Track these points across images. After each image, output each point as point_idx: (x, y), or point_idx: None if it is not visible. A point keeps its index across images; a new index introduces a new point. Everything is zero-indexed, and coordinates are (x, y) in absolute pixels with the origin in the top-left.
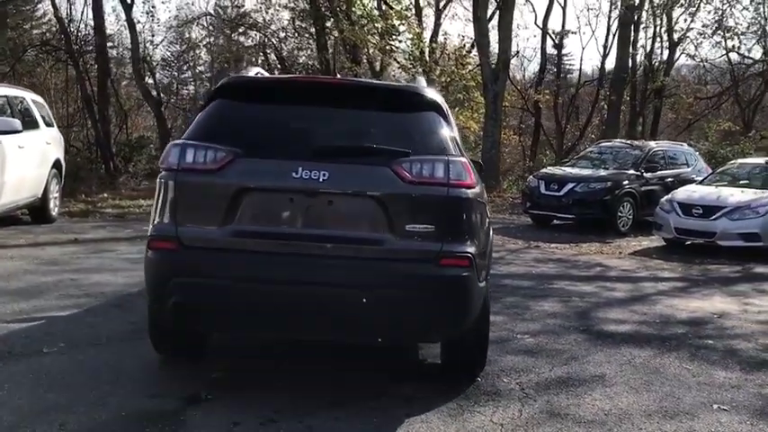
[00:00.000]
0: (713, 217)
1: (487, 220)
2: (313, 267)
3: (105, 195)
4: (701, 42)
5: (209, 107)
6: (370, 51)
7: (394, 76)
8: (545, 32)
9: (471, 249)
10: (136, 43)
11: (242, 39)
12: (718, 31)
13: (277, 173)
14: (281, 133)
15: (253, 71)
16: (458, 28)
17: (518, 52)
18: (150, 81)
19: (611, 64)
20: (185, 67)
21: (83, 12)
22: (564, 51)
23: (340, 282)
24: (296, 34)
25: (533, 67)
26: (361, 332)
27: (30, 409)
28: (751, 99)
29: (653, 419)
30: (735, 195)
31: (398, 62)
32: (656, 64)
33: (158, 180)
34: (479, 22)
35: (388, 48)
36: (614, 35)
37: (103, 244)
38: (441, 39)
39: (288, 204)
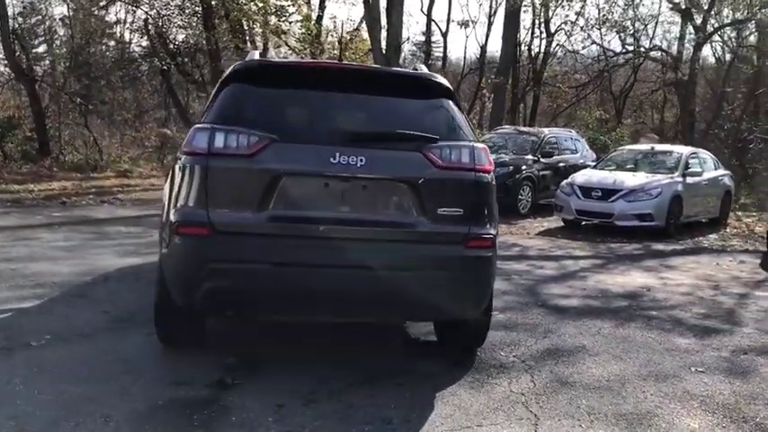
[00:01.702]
0: (611, 199)
1: None
2: (349, 251)
3: None
4: (572, 34)
5: (226, 91)
6: (259, 31)
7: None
8: (429, 19)
9: (492, 231)
10: (5, 16)
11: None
12: (583, 24)
13: (315, 158)
14: (312, 118)
15: (256, 55)
16: (346, 12)
17: (408, 38)
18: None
19: (492, 52)
20: (37, 42)
21: None
22: (449, 39)
23: (376, 264)
24: (181, 12)
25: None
26: (395, 312)
27: (61, 404)
28: (621, 89)
29: (649, 382)
30: (629, 179)
31: (289, 45)
32: (535, 54)
33: (180, 164)
34: (369, 5)
35: (279, 29)
36: (503, 23)
37: (21, 231)
38: (328, 22)
39: (323, 189)
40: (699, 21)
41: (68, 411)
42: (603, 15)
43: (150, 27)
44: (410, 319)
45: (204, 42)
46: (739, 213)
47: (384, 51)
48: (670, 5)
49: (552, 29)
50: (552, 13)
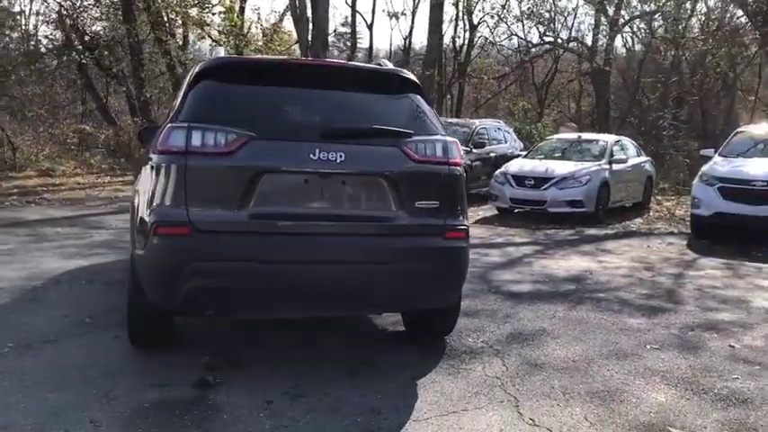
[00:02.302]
0: (543, 187)
1: None
2: (331, 246)
3: None
4: (496, 26)
5: (197, 89)
6: (181, 22)
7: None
8: (354, 11)
9: (466, 222)
10: None
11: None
12: (504, 15)
13: (295, 155)
14: (288, 115)
15: (221, 52)
16: (269, 4)
17: (335, 30)
18: None
19: (416, 44)
20: None
21: None
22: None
23: (357, 259)
24: (98, 3)
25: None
26: (377, 305)
27: (46, 411)
28: (543, 81)
29: (612, 361)
30: (559, 167)
31: (212, 37)
32: (460, 46)
33: (154, 164)
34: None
35: (202, 21)
36: (428, 15)
37: None
38: (252, 14)
39: (303, 186)
40: (612, 12)
41: (55, 418)
42: (529, 9)
43: (65, 19)
44: (390, 310)
45: (124, 35)
46: (659, 198)
47: (311, 44)
48: None
49: (475, 21)
50: (474, 6)
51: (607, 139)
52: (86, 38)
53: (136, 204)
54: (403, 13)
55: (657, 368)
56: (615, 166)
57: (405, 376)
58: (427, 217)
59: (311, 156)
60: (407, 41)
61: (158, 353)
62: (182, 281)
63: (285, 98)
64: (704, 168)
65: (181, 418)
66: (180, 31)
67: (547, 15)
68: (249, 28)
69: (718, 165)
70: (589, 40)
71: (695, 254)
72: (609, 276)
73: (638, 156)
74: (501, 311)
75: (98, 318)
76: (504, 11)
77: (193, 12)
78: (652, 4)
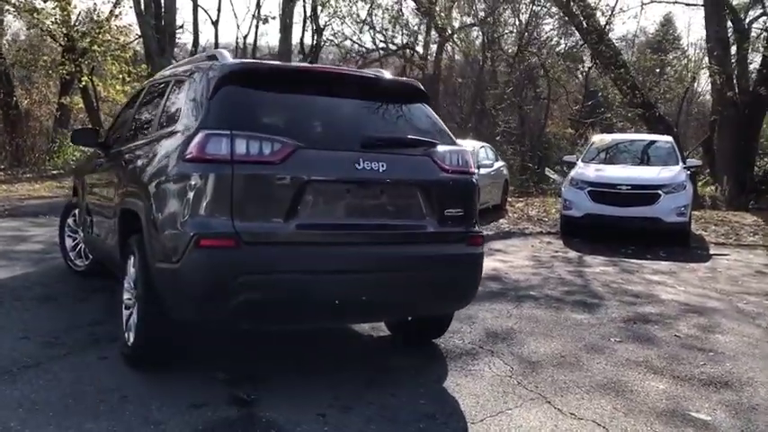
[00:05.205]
0: None
1: None
2: (373, 255)
3: None
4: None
5: (223, 94)
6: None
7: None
8: (196, 6)
9: (480, 229)
10: None
11: None
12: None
13: (341, 165)
14: (326, 124)
15: (227, 55)
16: None
17: (182, 26)
18: None
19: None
20: None
21: None
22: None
23: (398, 266)
24: None
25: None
26: (410, 311)
27: None
28: None
29: (594, 355)
30: None
31: (43, 29)
32: (308, 48)
33: (191, 172)
34: None
35: (32, 8)
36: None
37: None
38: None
39: (345, 195)
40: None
41: None
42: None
43: None
44: (418, 315)
45: None
46: (510, 199)
47: (159, 38)
48: (415, 7)
49: (322, 24)
50: (320, 9)
51: (474, 144)
52: None
53: (153, 215)
54: (272, 17)
55: (635, 359)
56: (482, 170)
57: (427, 380)
58: (453, 225)
59: (356, 165)
60: (254, 40)
61: (161, 373)
62: (228, 295)
63: (319, 106)
64: (572, 173)
65: None
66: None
67: (378, 21)
68: (86, 18)
69: (586, 170)
70: (421, 49)
71: (576, 252)
72: (520, 275)
73: (497, 160)
74: (463, 314)
75: (62, 338)
76: (346, 16)
77: None
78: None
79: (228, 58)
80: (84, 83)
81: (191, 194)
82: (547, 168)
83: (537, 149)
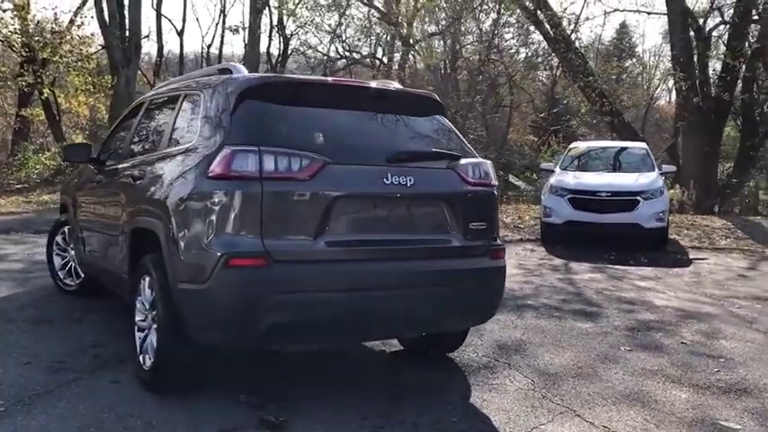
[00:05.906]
0: None
1: None
2: (402, 270)
3: None
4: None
5: (244, 109)
6: None
7: None
8: (159, 15)
9: (501, 242)
10: None
11: None
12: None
13: (369, 180)
14: (351, 139)
15: (242, 68)
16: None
17: (148, 35)
18: None
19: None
20: None
21: None
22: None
23: (428, 281)
24: None
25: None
26: (440, 324)
27: None
28: None
29: (609, 365)
30: None
31: (1, 39)
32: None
33: (216, 190)
34: (108, 1)
35: None
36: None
37: None
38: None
39: (372, 210)
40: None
41: None
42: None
43: None
44: (444, 330)
45: None
46: None
47: (124, 49)
48: (379, 17)
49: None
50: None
51: None
52: None
53: (172, 234)
54: (243, 28)
55: (650, 368)
56: None
57: (452, 396)
58: (477, 238)
59: (384, 180)
60: (219, 50)
61: (181, 396)
62: (259, 316)
63: (341, 120)
64: (552, 181)
65: None
66: None
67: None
68: (48, 27)
69: (565, 177)
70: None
71: (560, 259)
72: (514, 284)
73: None
74: None
75: (68, 362)
76: (312, 26)
77: None
78: (434, 26)
79: (244, 71)
80: (45, 95)
81: (217, 212)
82: (510, 175)
83: (501, 157)
